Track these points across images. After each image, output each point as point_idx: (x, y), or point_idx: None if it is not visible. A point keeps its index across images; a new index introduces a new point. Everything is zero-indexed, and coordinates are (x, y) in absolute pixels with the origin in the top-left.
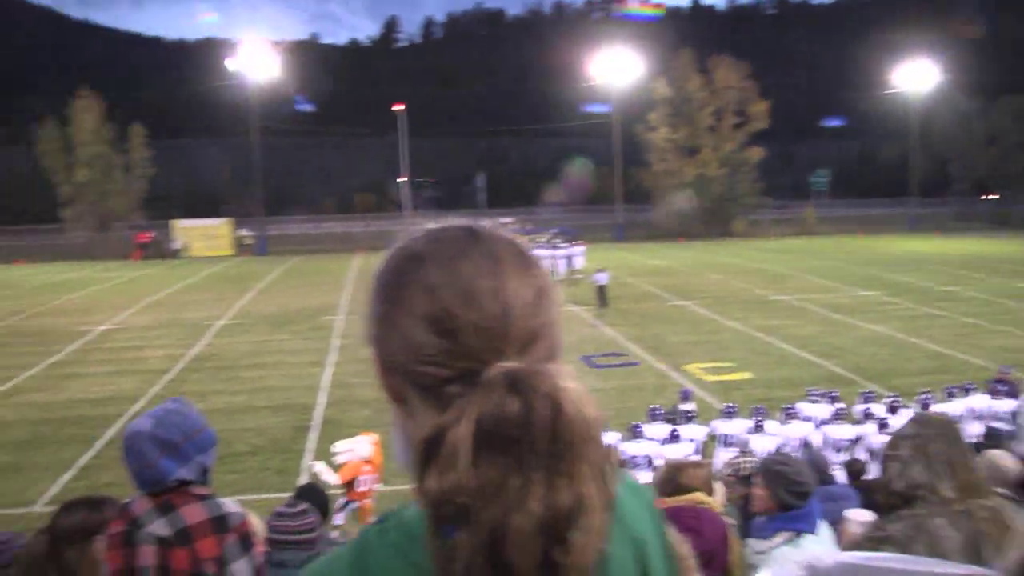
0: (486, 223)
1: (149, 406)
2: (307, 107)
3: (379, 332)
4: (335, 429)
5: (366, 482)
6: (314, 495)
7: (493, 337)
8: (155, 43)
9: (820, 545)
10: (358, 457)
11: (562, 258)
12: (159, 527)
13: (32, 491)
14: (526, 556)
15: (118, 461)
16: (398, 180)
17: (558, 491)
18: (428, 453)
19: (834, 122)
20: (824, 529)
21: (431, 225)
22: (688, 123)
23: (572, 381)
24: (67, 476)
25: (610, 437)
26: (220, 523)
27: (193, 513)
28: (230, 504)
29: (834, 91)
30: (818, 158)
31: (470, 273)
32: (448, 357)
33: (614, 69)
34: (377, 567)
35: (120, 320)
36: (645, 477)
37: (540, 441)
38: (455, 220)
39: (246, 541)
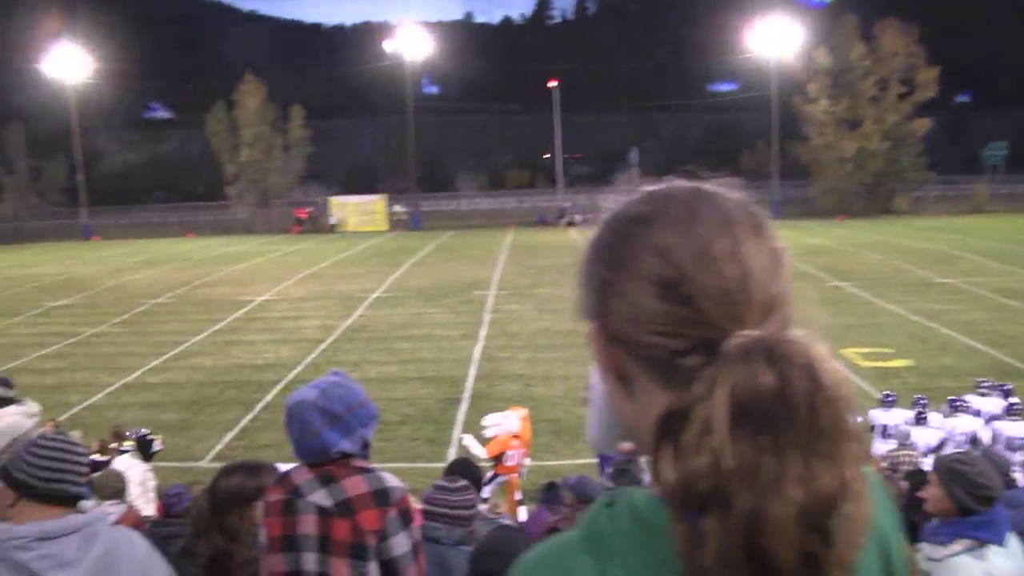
0: (712, 183)
1: (305, 373)
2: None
3: (600, 301)
4: (484, 402)
5: (514, 457)
6: (468, 470)
7: (734, 304)
8: (315, 29)
9: (1010, 560)
10: (507, 431)
11: None
12: (320, 497)
13: (200, 447)
14: (786, 547)
15: (276, 424)
16: (544, 156)
17: (819, 475)
18: (666, 432)
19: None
20: (1014, 541)
21: (650, 187)
22: (849, 94)
23: (826, 352)
24: (229, 436)
25: None
26: (382, 496)
27: (355, 485)
28: (391, 478)
29: (1015, 54)
30: (995, 129)
31: (704, 234)
32: (682, 326)
33: (772, 40)
34: (613, 554)
35: (279, 291)
36: None
37: (798, 418)
38: (677, 180)
39: (406, 516)
